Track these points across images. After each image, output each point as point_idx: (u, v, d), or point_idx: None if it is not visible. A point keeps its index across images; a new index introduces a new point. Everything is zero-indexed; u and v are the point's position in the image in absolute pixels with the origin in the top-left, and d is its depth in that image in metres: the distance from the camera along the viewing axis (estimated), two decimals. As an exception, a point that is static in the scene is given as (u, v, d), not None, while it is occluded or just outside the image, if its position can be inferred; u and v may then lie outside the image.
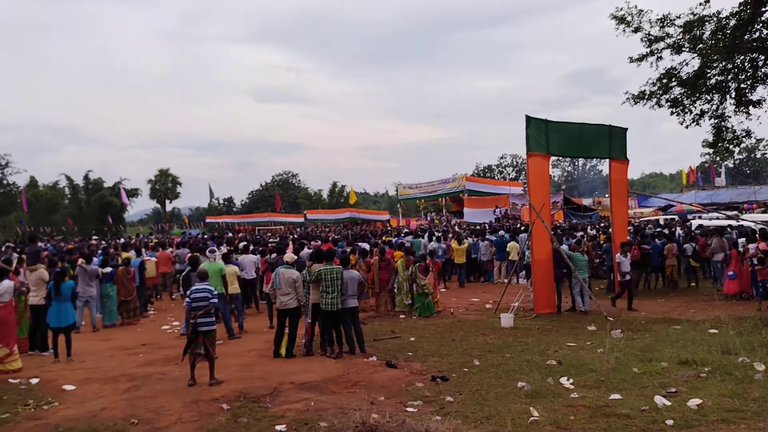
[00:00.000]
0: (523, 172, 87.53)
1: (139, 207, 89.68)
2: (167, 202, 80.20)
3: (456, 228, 32.23)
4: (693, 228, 22.48)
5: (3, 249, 19.12)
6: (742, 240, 16.53)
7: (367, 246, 18.29)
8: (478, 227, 31.16)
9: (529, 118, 14.58)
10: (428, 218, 51.87)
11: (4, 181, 72.37)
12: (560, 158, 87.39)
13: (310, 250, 14.32)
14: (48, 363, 10.37)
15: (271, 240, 26.75)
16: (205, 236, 36.27)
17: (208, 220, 70.52)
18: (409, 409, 7.05)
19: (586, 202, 47.41)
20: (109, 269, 14.25)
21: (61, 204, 68.40)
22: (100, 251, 19.02)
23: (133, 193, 68.81)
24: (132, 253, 17.78)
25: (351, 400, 7.52)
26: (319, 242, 20.12)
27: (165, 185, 77.73)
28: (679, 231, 21.62)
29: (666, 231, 20.98)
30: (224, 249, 16.83)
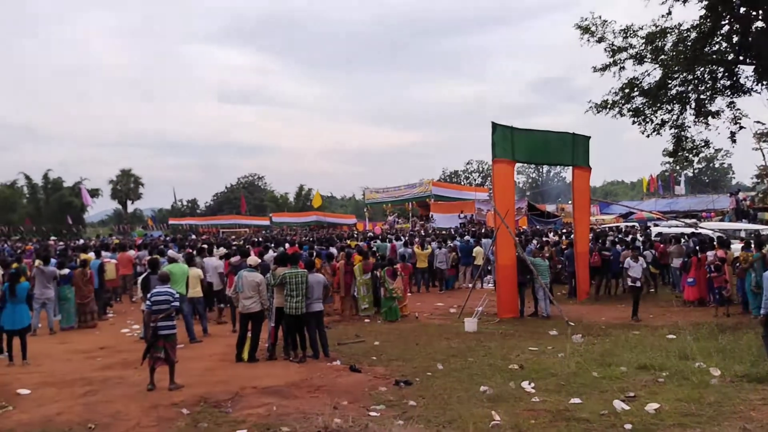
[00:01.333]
0: (489, 178, 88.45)
1: (100, 207, 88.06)
2: (129, 202, 78.90)
3: (421, 232, 32.37)
4: (653, 235, 22.94)
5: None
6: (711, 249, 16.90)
7: (333, 250, 18.21)
8: (444, 232, 31.33)
9: (495, 125, 14.72)
10: (392, 221, 51.93)
11: (-41, 180, 70.57)
12: (525, 165, 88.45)
13: (275, 254, 14.21)
14: (2, 366, 10.07)
15: (235, 243, 26.49)
16: (167, 238, 35.75)
17: (171, 222, 69.56)
18: (372, 414, 7.04)
19: (550, 208, 48.08)
20: (66, 271, 13.91)
21: (20, 203, 66.77)
22: (57, 252, 18.58)
23: (94, 193, 67.53)
24: (91, 255, 17.38)
25: (314, 404, 7.48)
26: (287, 246, 19.98)
27: (127, 186, 76.46)
28: (639, 238, 22.04)
29: (627, 238, 21.37)
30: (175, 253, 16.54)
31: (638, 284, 14.24)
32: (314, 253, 16.48)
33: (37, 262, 14.23)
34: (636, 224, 32.80)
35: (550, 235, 26.70)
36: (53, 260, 14.56)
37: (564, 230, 30.08)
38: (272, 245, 20.90)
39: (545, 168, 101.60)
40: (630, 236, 22.64)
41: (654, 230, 25.12)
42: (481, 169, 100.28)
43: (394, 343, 11.45)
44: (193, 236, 38.32)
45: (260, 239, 28.66)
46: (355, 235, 32.93)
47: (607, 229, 30.43)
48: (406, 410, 7.15)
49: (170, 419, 7.05)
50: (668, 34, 16.70)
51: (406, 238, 23.82)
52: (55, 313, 13.59)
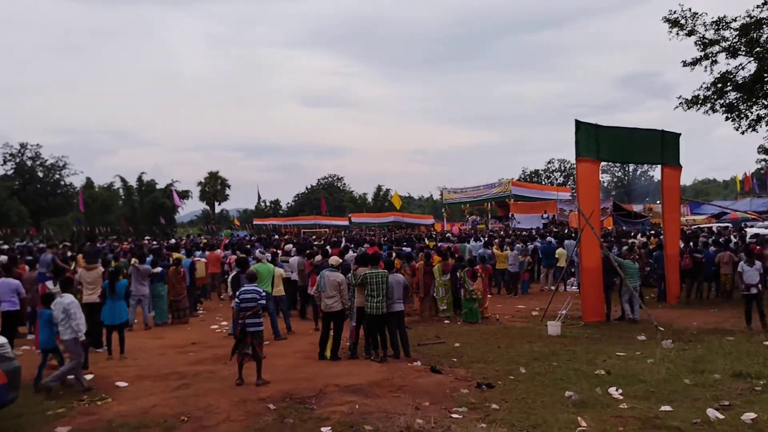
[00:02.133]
0: (572, 178, 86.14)
1: (190, 209, 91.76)
2: (216, 204, 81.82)
3: (501, 233, 31.97)
4: (748, 236, 21.77)
5: (61, 248, 19.77)
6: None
7: (411, 250, 18.28)
8: (524, 233, 30.84)
9: (578, 123, 14.37)
10: (472, 223, 51.48)
11: (62, 182, 75.23)
12: (610, 163, 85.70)
13: (355, 254, 14.41)
14: (102, 360, 10.67)
15: (316, 242, 27.00)
16: (253, 238, 36.85)
17: (255, 222, 71.61)
18: (454, 416, 7.02)
19: (637, 208, 46.39)
20: (160, 269, 14.60)
21: (116, 205, 70.41)
22: (151, 251, 19.49)
23: (184, 195, 70.37)
24: (183, 254, 18.16)
25: (395, 404, 7.54)
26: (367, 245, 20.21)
27: (214, 187, 79.37)
28: (732, 239, 20.97)
29: (721, 239, 20.38)
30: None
31: (754, 291, 12.80)
32: (393, 254, 16.61)
33: (133, 260, 15.00)
34: (729, 225, 31.20)
35: (638, 236, 25.79)
36: (148, 259, 15.29)
37: (652, 231, 28.98)
38: (352, 245, 21.19)
39: (632, 167, 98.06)
40: (723, 238, 21.57)
41: (750, 231, 23.84)
42: (563, 168, 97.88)
43: (475, 345, 11.38)
44: (276, 236, 39.31)
45: (340, 239, 29.10)
46: (434, 236, 32.89)
47: (697, 229, 29.11)
48: (489, 413, 7.10)
49: (258, 414, 7.29)
50: (764, 25, 15.81)
51: (485, 238, 23.59)
52: (149, 309, 14.29)
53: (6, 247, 29.39)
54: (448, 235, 32.66)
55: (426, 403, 7.59)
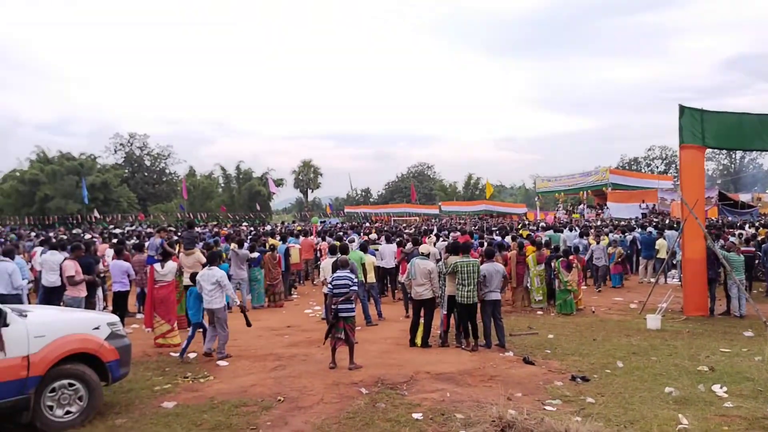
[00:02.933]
0: (674, 165, 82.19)
1: (284, 196, 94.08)
2: (309, 191, 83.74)
3: (599, 223, 30.98)
4: None
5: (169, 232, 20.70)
6: None
7: (507, 239, 18.04)
8: (623, 223, 29.74)
9: (682, 108, 13.68)
10: (564, 212, 50.11)
11: (167, 170, 79.37)
12: (716, 151, 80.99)
13: (446, 242, 14.39)
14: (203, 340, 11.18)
15: (407, 231, 27.13)
16: (344, 225, 37.48)
17: (347, 210, 72.75)
18: (548, 408, 6.91)
19: (745, 197, 43.69)
20: (257, 254, 15.13)
21: (216, 192, 73.40)
22: (249, 237, 20.21)
23: (278, 183, 72.41)
24: (278, 240, 18.73)
25: (487, 394, 7.50)
26: (458, 234, 20.14)
27: (307, 176, 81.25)
28: None
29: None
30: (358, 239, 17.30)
31: None
32: (484, 243, 16.47)
33: (232, 245, 15.61)
34: None
35: (746, 227, 24.31)
36: (246, 244, 15.87)
37: (762, 222, 27.23)
38: (443, 234, 21.15)
39: (738, 154, 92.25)
40: None
41: None
42: (664, 155, 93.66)
43: (570, 337, 11.12)
44: (367, 224, 39.80)
45: (431, 228, 29.11)
46: (527, 225, 32.30)
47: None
48: (584, 407, 6.93)
49: (351, 397, 7.45)
50: None
51: (581, 228, 22.92)
52: (247, 292, 14.85)
53: (117, 231, 31.26)
54: (543, 224, 32.00)
55: (518, 394, 7.52)
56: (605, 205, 43.69)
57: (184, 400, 7.45)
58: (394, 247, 15.73)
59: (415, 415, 6.68)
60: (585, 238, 19.27)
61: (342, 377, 8.36)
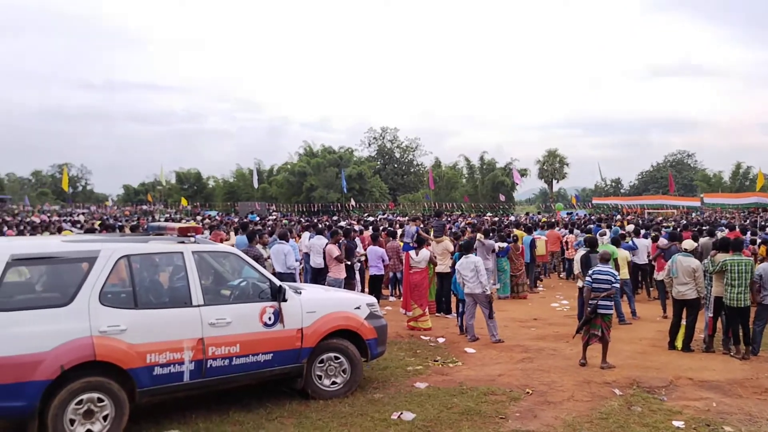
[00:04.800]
0: None
1: (527, 186, 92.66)
2: (554, 182, 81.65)
3: None
4: None
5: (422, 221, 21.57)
6: None
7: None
8: None
9: None
10: None
11: (415, 162, 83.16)
12: None
13: (713, 239, 13.09)
14: (452, 325, 11.57)
15: (664, 224, 25.19)
16: (591, 217, 35.99)
17: (594, 201, 69.53)
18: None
19: None
20: (504, 244, 15.21)
21: (460, 182, 75.07)
22: (496, 228, 20.33)
23: (522, 173, 71.66)
24: (523, 231, 18.59)
25: (762, 408, 6.75)
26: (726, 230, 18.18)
27: (552, 166, 79.19)
28: None
29: None
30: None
31: None
32: (757, 240, 14.65)
33: (479, 236, 15.86)
34: None
35: None
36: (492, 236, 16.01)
37: None
38: (706, 229, 19.22)
39: None
40: None
41: None
42: None
43: None
44: (618, 216, 37.62)
45: (691, 222, 26.63)
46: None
47: None
48: None
49: (603, 397, 7.18)
50: None
51: None
52: (494, 282, 15.00)
53: (371, 219, 33.55)
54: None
55: (801, 412, 6.61)
56: None
57: (434, 383, 7.80)
58: (647, 242, 14.74)
59: (676, 423, 6.25)
60: None
61: (593, 375, 8.09)
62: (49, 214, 45.62)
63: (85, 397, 5.58)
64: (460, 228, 21.29)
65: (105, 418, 5.67)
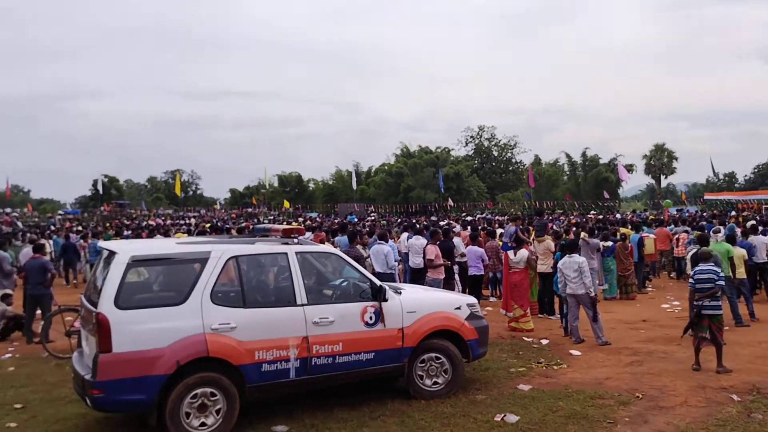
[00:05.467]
0: None
1: (634, 182, 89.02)
2: (662, 177, 77.95)
3: None
4: None
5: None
6: None
7: None
8: None
9: None
10: None
11: (513, 160, 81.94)
12: None
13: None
14: (555, 327, 11.32)
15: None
16: (704, 214, 34.13)
17: (706, 197, 65.73)
18: None
19: None
20: (610, 243, 14.70)
21: (561, 180, 73.20)
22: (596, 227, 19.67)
23: (628, 168, 68.80)
24: (630, 229, 17.87)
25: None
26: None
27: (660, 160, 75.62)
28: None
29: None
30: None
31: None
32: None
33: (582, 234, 15.42)
34: None
35: None
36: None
37: None
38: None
39: None
40: None
41: None
42: None
43: None
44: (733, 213, 35.41)
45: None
46: None
47: None
48: None
49: (719, 403, 6.81)
50: None
51: None
52: (600, 282, 14.51)
53: (470, 218, 33.29)
54: None
55: None
56: None
57: (538, 385, 7.66)
58: (764, 239, 13.79)
59: (805, 434, 5.82)
60: None
61: (708, 380, 7.66)
62: (163, 218, 48.47)
63: (199, 391, 5.91)
64: (562, 227, 20.74)
65: (218, 412, 5.98)
